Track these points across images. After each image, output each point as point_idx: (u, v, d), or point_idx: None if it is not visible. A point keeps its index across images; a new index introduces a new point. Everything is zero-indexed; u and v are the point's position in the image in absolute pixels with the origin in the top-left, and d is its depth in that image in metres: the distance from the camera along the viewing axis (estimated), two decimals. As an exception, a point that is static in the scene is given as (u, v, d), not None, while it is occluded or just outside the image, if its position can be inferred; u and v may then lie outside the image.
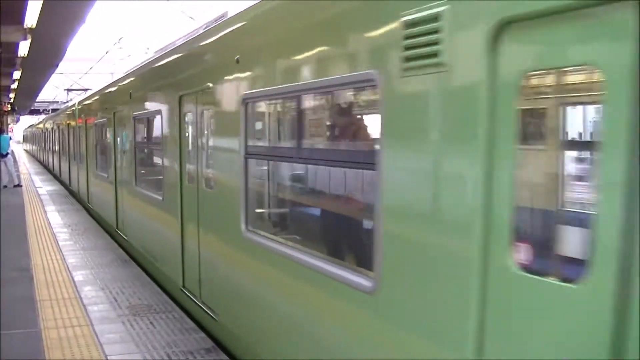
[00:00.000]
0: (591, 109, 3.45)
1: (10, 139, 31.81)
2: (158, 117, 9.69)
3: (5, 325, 7.75)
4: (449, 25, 3.21)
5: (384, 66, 3.73)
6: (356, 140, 5.04)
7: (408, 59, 3.49)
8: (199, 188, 7.59)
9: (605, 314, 2.45)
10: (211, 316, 7.22)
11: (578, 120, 3.13)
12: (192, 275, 7.96)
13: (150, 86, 10.60)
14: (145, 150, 11.68)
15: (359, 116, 5.02)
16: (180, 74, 8.63)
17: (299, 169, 6.19)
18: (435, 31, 3.27)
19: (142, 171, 11.56)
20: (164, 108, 9.26)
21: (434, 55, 3.28)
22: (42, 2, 13.71)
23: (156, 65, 10.21)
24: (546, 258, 3.06)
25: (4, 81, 27.55)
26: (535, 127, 3.30)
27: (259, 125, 6.59)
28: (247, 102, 6.03)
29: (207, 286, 7.45)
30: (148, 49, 27.08)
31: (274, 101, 6.14)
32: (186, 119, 8.24)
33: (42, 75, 29.98)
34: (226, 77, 6.58)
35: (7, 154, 26.46)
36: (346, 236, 5.08)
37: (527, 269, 2.84)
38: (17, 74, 25.69)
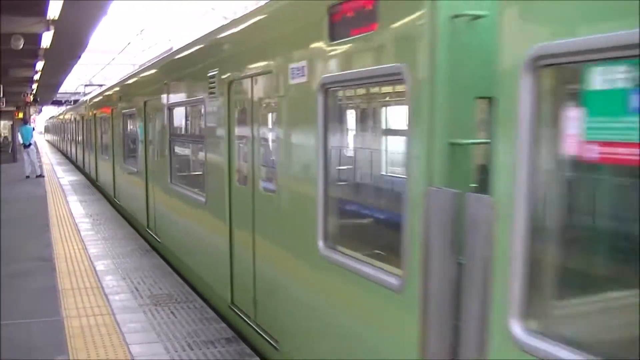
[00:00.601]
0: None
1: (33, 129, 32.12)
2: (136, 115, 13.80)
3: (28, 314, 7.83)
4: (217, 79, 7.50)
5: (206, 94, 8.00)
6: (200, 130, 9.01)
7: (210, 93, 7.80)
8: (153, 160, 12.01)
9: (251, 200, 6.53)
10: (158, 240, 11.53)
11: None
12: (152, 217, 12.15)
13: (131, 93, 14.74)
14: (130, 137, 15.26)
15: (201, 118, 8.75)
16: (144, 88, 12.97)
17: (190, 147, 10.34)
18: (214, 82, 7.59)
19: (130, 153, 15.20)
20: (137, 109, 13.44)
21: (214, 92, 7.63)
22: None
23: (132, 80, 15.07)
24: (244, 180, 6.85)
25: (27, 72, 27.78)
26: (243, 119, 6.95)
27: (174, 121, 10.71)
28: (169, 107, 10.48)
29: (157, 223, 11.63)
30: (170, 40, 27.17)
31: (177, 109, 10.37)
32: (149, 117, 12.34)
33: (64, 66, 30.22)
34: (162, 93, 10.86)
35: (30, 144, 26.69)
36: (201, 181, 8.66)
37: (239, 183, 6.98)
38: (39, 65, 25.84)
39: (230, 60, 7.25)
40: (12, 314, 7.75)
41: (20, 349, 6.68)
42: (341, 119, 5.12)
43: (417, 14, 3.71)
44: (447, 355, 3.44)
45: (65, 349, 6.63)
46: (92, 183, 24.14)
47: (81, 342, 6.82)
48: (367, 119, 5.06)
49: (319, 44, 4.82)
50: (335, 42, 4.61)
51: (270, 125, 6.26)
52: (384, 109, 4.77)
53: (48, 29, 16.89)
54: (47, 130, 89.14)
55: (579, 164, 2.84)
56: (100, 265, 10.39)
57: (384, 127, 4.76)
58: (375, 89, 4.72)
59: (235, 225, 7.17)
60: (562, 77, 2.93)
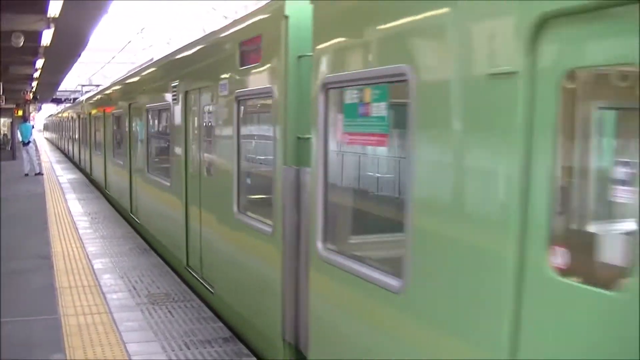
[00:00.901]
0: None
1: (33, 127, 32.08)
2: (123, 116, 15.80)
3: (26, 312, 7.84)
4: (178, 89, 9.64)
5: (170, 100, 9.94)
6: (167, 129, 10.90)
7: (173, 99, 9.79)
8: (135, 155, 14.12)
9: (199, 183, 8.90)
10: (137, 222, 13.63)
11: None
12: (134, 203, 14.20)
13: (119, 96, 16.83)
14: (118, 135, 17.11)
15: (168, 119, 10.75)
16: (129, 93, 14.95)
17: (162, 143, 11.92)
18: (177, 91, 9.64)
19: (118, 149, 17.04)
20: (124, 110, 15.46)
21: (177, 99, 9.58)
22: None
23: (120, 84, 17.37)
24: (196, 168, 8.88)
25: (27, 70, 27.74)
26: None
27: (151, 122, 12.72)
28: (147, 110, 12.45)
29: (139, 207, 13.68)
30: (170, 39, 27.17)
31: (152, 111, 12.34)
32: (132, 117, 14.21)
33: (64, 64, 30.19)
34: (140, 97, 13.29)
35: (29, 142, 26.67)
36: (168, 169, 10.52)
37: (192, 170, 9.15)
38: (39, 63, 25.79)
39: (186, 75, 9.44)
40: (10, 312, 7.75)
41: (17, 347, 6.68)
42: (246, 121, 7.37)
43: (278, 53, 5.82)
44: (294, 266, 5.66)
45: (62, 347, 6.65)
46: (87, 177, 24.97)
47: (78, 341, 6.83)
48: (260, 120, 7.41)
49: (234, 68, 6.97)
50: (242, 67, 6.77)
51: (208, 126, 8.46)
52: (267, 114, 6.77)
53: (48, 27, 16.87)
54: (46, 128, 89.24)
55: (344, 146, 5.05)
56: (98, 264, 10.40)
57: (267, 126, 6.72)
58: (264, 101, 6.65)
59: (189, 202, 9.26)
60: (337, 95, 4.92)
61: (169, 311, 7.92)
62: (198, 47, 9.01)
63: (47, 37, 18.65)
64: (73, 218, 15.22)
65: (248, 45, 6.62)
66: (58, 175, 27.34)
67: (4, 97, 29.72)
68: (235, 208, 7.00)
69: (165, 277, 9.59)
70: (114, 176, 17.47)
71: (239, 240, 7.07)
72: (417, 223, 3.72)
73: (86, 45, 23.15)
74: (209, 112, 8.32)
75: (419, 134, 3.68)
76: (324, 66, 4.95)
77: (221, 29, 8.06)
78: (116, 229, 13.76)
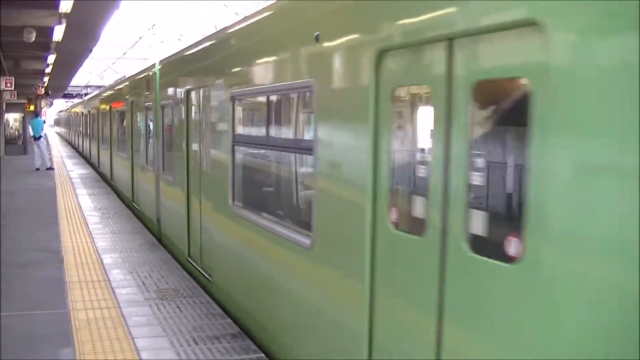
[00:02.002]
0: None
1: (44, 122, 32.22)
2: (106, 114, 22.07)
3: (35, 305, 7.87)
4: (128, 99, 16.89)
5: (127, 107, 16.97)
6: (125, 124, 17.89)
7: (126, 106, 17.30)
8: (111, 139, 21.15)
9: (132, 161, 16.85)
10: (110, 180, 21.54)
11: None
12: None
13: (105, 101, 23.01)
14: (104, 128, 23.06)
15: (128, 120, 17.33)
16: (109, 99, 21.56)
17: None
18: (127, 101, 17.06)
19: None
20: (107, 110, 21.73)
21: (129, 106, 16.78)
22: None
23: (104, 94, 24.38)
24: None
25: (39, 65, 27.85)
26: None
27: (118, 119, 19.68)
28: (117, 111, 19.16)
29: (114, 176, 20.64)
30: (181, 35, 27.16)
31: (118, 112, 19.49)
32: (113, 116, 20.39)
33: (76, 59, 30.26)
34: (113, 103, 20.24)
35: (41, 137, 26.79)
36: (127, 146, 16.87)
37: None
38: (51, 58, 25.87)
39: (130, 93, 16.12)
40: (19, 305, 7.79)
41: (26, 340, 6.71)
42: (149, 119, 13.44)
43: (154, 88, 12.59)
44: (158, 181, 12.36)
45: (71, 341, 6.67)
46: (87, 161, 31.74)
47: (87, 335, 6.85)
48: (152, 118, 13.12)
49: (144, 93, 13.87)
50: (146, 93, 13.60)
51: (138, 122, 14.98)
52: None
53: (60, 23, 16.90)
54: (57, 123, 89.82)
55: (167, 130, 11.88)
56: (107, 259, 10.43)
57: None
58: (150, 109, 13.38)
59: (133, 163, 15.67)
60: (166, 110, 11.72)
61: (178, 307, 7.93)
62: (135, 79, 15.75)
63: (58, 33, 18.70)
64: (83, 213, 15.28)
65: (148, 82, 13.11)
66: (69, 170, 27.45)
67: (15, 92, 29.86)
68: (145, 161, 13.82)
69: (174, 273, 9.60)
70: (103, 157, 23.48)
71: (145, 177, 13.78)
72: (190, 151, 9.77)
73: (97, 40, 23.21)
74: (139, 116, 14.75)
75: (190, 123, 9.70)
76: (160, 97, 11.54)
77: (142, 71, 14.72)
78: (126, 224, 13.80)
